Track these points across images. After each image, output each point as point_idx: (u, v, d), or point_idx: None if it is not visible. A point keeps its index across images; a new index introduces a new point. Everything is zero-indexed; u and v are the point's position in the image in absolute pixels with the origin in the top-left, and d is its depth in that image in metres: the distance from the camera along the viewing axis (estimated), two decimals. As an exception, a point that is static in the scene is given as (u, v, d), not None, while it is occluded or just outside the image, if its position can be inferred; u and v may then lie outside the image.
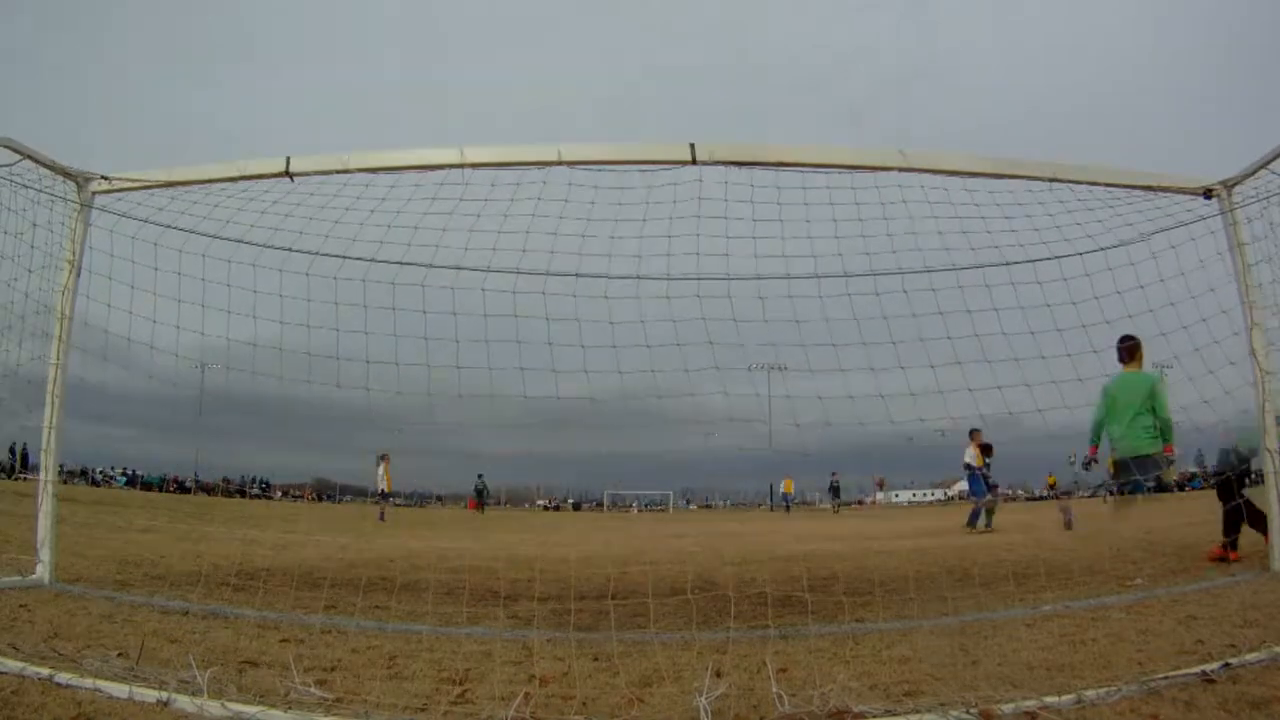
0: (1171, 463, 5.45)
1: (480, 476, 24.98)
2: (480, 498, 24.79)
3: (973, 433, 13.13)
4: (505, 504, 54.81)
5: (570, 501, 55.04)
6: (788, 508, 31.99)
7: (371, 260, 4.47)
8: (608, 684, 2.62)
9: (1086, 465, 5.80)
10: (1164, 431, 5.42)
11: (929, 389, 4.18)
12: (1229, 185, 4.68)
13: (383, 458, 17.53)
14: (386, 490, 17.77)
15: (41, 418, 4.47)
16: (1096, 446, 5.82)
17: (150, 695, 2.30)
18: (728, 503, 52.05)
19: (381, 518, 16.59)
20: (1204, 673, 2.40)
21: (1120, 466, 5.44)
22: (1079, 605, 3.82)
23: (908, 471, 51.84)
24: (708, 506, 52.35)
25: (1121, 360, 5.68)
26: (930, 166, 4.23)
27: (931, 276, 4.53)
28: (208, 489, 35.36)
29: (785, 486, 32.96)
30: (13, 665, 2.56)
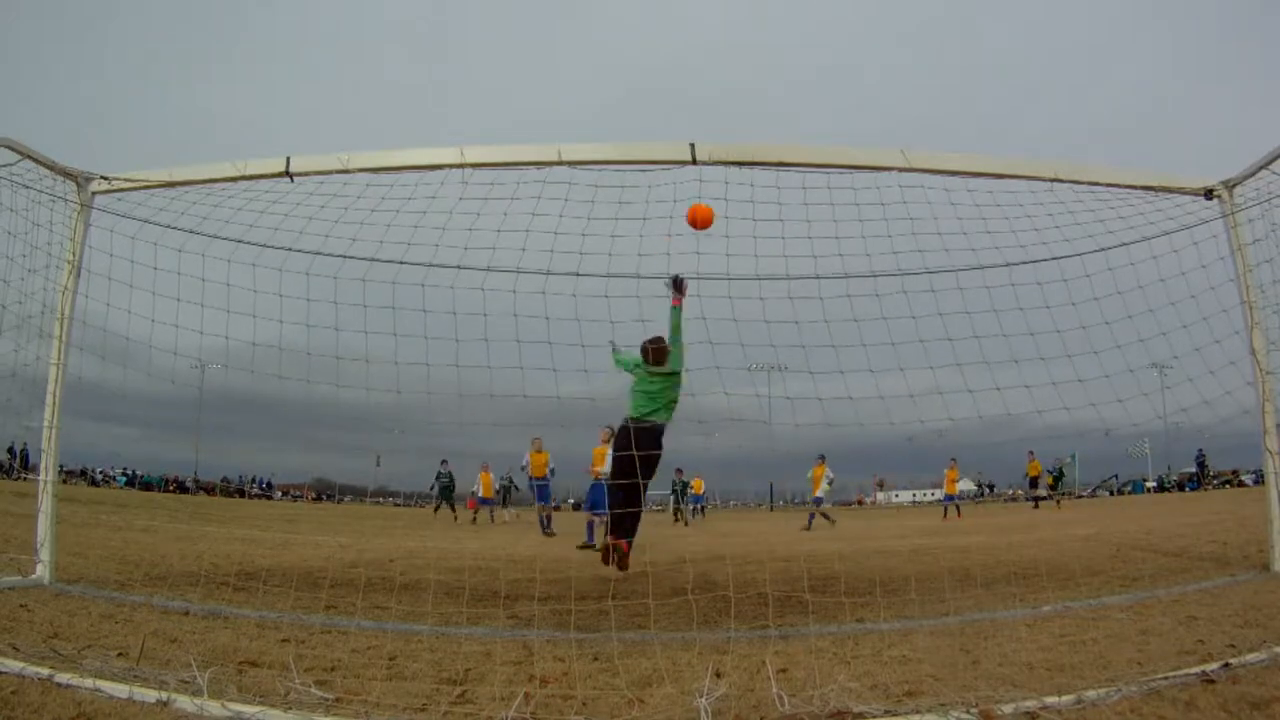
0: None
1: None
2: None
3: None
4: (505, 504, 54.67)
5: (570, 501, 54.93)
6: (692, 511, 22.29)
7: (372, 260, 4.48)
8: (608, 684, 2.62)
9: None
10: None
11: (929, 390, 4.19)
12: (1230, 185, 4.67)
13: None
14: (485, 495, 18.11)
15: (41, 417, 4.48)
16: None
17: (150, 695, 2.30)
18: (733, 503, 51.97)
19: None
20: (1204, 673, 2.40)
21: None
22: (1079, 605, 3.82)
23: (907, 472, 51.92)
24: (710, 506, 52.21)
25: None
26: (931, 167, 4.22)
27: (931, 277, 4.54)
28: (208, 489, 35.28)
29: (695, 487, 22.85)
30: (13, 665, 2.56)
